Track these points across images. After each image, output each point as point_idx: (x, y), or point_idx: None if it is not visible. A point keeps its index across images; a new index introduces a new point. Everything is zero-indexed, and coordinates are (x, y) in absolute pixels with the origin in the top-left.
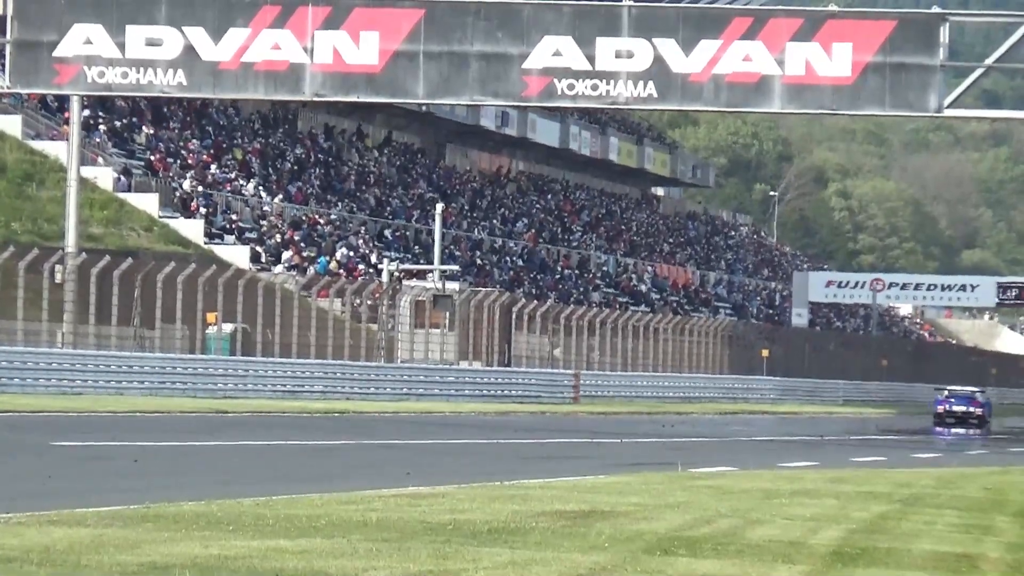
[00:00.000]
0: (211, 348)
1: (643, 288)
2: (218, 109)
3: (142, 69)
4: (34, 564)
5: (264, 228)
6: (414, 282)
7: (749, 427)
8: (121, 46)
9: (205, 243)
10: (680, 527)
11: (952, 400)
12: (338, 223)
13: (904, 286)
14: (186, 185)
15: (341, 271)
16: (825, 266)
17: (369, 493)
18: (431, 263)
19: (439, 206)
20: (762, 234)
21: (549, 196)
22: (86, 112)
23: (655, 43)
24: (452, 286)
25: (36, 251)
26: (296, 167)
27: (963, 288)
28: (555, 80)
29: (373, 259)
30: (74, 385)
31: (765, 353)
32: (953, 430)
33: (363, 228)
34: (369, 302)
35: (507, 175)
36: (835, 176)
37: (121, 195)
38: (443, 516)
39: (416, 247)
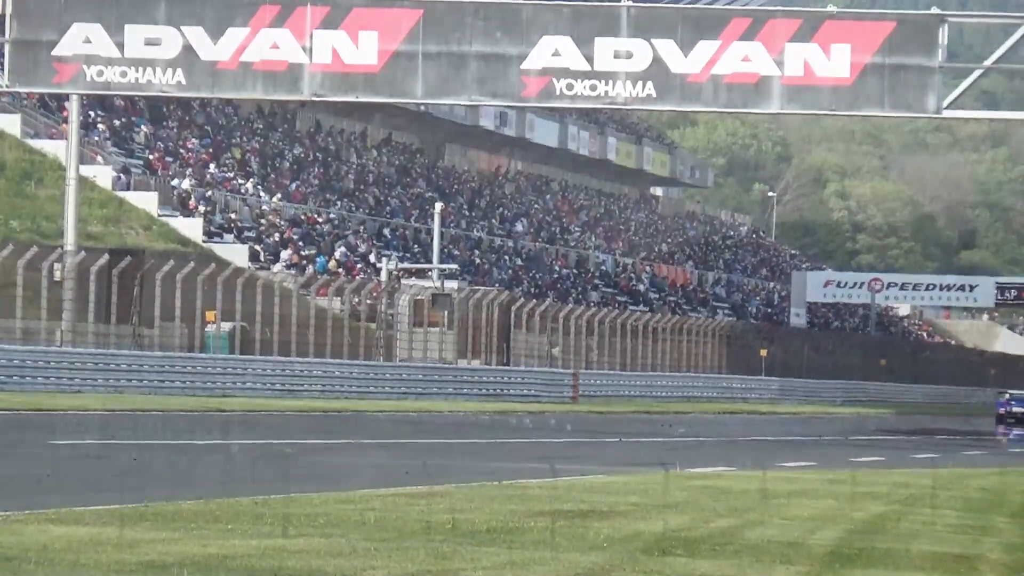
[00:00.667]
0: (210, 347)
1: (642, 288)
2: (217, 108)
3: (141, 68)
4: (32, 563)
5: (263, 227)
6: (413, 281)
7: (747, 427)
8: (120, 45)
9: (204, 242)
10: (678, 527)
11: (1013, 403)
12: (337, 222)
13: (903, 286)
14: (185, 184)
15: (340, 270)
16: (823, 266)
17: (367, 492)
18: (430, 262)
19: (438, 205)
20: (761, 234)
21: (548, 196)
22: (90, 113)
23: (654, 43)
24: (451, 285)
25: (35, 249)
26: (295, 166)
27: (962, 288)
28: (554, 80)
29: (372, 258)
30: (73, 383)
31: (763, 353)
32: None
33: (362, 227)
34: (368, 301)
35: (506, 175)
36: (834, 177)
37: (120, 194)
38: (441, 516)
39: (415, 246)
